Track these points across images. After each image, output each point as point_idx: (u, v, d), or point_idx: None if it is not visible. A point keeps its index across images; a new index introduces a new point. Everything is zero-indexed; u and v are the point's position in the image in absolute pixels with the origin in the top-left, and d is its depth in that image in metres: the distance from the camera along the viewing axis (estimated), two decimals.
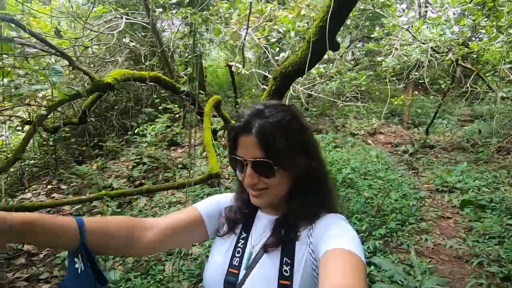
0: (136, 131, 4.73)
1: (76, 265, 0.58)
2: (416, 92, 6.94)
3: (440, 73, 5.82)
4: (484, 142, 5.38)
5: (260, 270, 0.65)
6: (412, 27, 5.32)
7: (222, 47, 5.84)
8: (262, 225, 0.73)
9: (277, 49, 4.55)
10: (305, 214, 0.68)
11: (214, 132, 5.02)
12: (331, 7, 2.09)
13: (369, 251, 2.16)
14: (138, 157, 4.65)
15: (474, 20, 4.64)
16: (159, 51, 3.87)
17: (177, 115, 5.54)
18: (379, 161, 4.48)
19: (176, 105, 5.33)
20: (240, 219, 0.76)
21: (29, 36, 2.19)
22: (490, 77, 5.23)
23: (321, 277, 0.54)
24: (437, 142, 6.13)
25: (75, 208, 3.42)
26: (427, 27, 5.35)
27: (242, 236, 0.73)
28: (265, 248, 0.66)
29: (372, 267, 1.99)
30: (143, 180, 4.41)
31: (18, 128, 4.10)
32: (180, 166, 4.60)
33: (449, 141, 6.11)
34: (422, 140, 6.13)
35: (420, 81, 6.15)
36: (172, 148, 5.53)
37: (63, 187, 4.47)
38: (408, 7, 8.48)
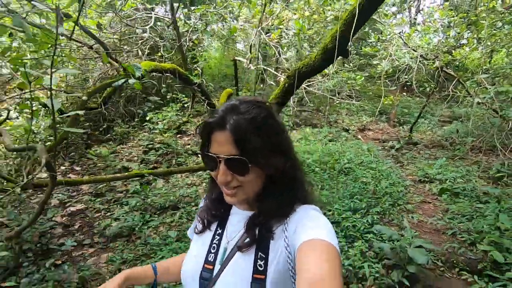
0: (147, 118, 5.02)
1: None
2: (404, 93, 7.55)
3: (426, 77, 6.42)
4: (460, 141, 6.04)
5: (234, 265, 0.66)
6: (403, 33, 5.87)
7: (215, 38, 6.15)
8: (237, 220, 0.73)
9: (285, 48, 4.95)
10: (278, 210, 0.68)
11: None
12: (341, 24, 2.52)
13: (368, 223, 2.67)
14: (150, 142, 4.97)
15: (458, 33, 5.21)
16: (178, 44, 4.18)
17: (185, 105, 5.86)
18: (370, 154, 5.03)
19: (183, 95, 5.64)
20: (211, 218, 0.77)
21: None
22: (469, 83, 5.86)
23: (298, 268, 0.56)
24: (420, 139, 6.77)
25: (95, 187, 3.73)
26: (417, 35, 5.91)
27: (217, 232, 0.74)
28: (240, 249, 0.67)
29: (371, 235, 2.50)
30: (155, 164, 4.75)
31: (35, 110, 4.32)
32: (190, 152, 4.96)
33: (430, 139, 6.76)
34: (407, 138, 6.75)
35: (407, 83, 6.75)
36: (179, 135, 5.87)
37: (77, 168, 4.74)
38: (398, 11, 9.05)
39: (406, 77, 5.64)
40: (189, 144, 5.46)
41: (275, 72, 5.46)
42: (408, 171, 4.77)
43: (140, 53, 4.22)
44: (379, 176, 4.00)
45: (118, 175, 3.12)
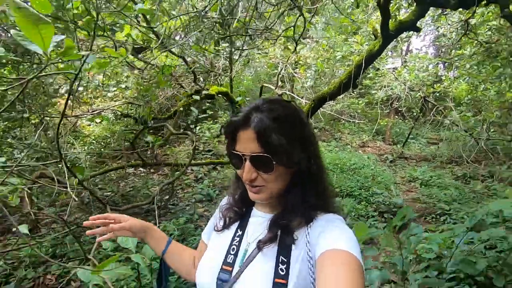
0: (198, 127, 6.50)
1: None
2: (396, 117, 9.14)
3: (413, 104, 8.03)
4: (440, 156, 7.54)
5: (255, 267, 0.66)
6: (395, 69, 7.56)
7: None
8: (258, 223, 0.74)
9: (308, 80, 6.56)
10: (302, 212, 0.67)
11: None
12: (353, 66, 4.07)
13: (370, 194, 4.09)
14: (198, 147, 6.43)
15: (435, 73, 6.88)
16: (230, 74, 5.76)
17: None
18: (370, 161, 6.50)
19: (223, 111, 7.16)
20: (233, 217, 0.78)
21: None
22: (454, 112, 7.45)
23: (318, 278, 0.56)
24: (410, 155, 8.26)
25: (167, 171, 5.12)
26: (406, 71, 7.58)
27: (237, 234, 0.74)
28: (259, 245, 0.67)
29: (372, 197, 3.92)
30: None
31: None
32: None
33: (418, 155, 8.25)
34: (399, 153, 8.24)
35: (399, 109, 8.33)
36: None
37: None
38: (392, 52, 10.90)
39: (397, 103, 7.23)
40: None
41: (295, 96, 7.05)
42: (399, 174, 6.21)
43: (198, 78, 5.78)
44: (378, 174, 5.46)
45: (204, 161, 4.57)
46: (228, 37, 4.23)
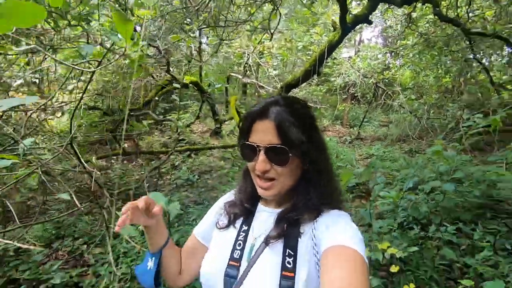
0: (169, 117, 6.56)
1: (148, 263, 0.75)
2: (353, 102, 9.99)
3: (367, 90, 8.87)
4: (390, 135, 8.49)
5: (263, 262, 0.66)
6: (350, 58, 8.27)
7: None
8: (264, 218, 0.74)
9: (272, 69, 6.93)
10: (309, 207, 0.68)
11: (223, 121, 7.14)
12: (316, 56, 4.52)
13: (335, 168, 4.63)
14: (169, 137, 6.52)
15: (384, 61, 7.69)
16: (201, 63, 5.90)
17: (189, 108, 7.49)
18: (332, 143, 7.14)
19: (191, 101, 7.28)
20: (239, 213, 0.77)
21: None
22: (397, 94, 8.38)
23: (322, 274, 0.57)
24: (366, 136, 9.15)
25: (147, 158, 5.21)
26: (359, 60, 8.34)
27: (243, 229, 0.74)
28: (267, 240, 0.67)
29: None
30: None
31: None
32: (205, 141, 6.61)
33: (372, 136, 9.17)
34: (356, 134, 9.08)
35: (355, 94, 9.13)
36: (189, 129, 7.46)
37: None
38: (346, 42, 11.76)
39: (353, 89, 7.96)
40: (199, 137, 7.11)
41: (262, 85, 7.40)
42: (357, 152, 6.95)
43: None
44: (339, 153, 6.07)
45: (189, 147, 4.74)
46: (198, 28, 4.38)
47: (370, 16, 4.09)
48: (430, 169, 2.77)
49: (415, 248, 1.69)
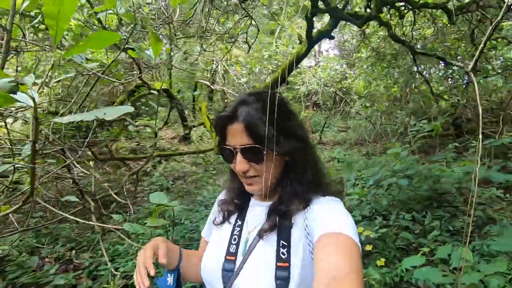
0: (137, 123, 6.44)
1: (168, 279, 0.75)
2: (315, 109, 10.63)
3: (327, 97, 9.54)
4: (349, 140, 9.21)
5: (257, 254, 0.67)
6: (312, 68, 8.86)
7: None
8: (257, 212, 0.75)
9: (242, 77, 7.17)
10: (298, 197, 0.69)
11: (192, 126, 7.17)
12: (286, 65, 4.87)
13: None
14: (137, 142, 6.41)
15: (342, 71, 8.38)
16: (170, 69, 5.91)
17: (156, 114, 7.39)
18: None
19: (159, 107, 7.20)
20: (232, 210, 0.79)
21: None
22: (358, 103, 9.11)
23: (316, 261, 0.57)
24: (327, 141, 9.78)
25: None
26: (321, 70, 8.97)
27: (237, 224, 0.76)
28: (260, 234, 0.69)
29: None
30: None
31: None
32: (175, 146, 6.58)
33: (333, 140, 9.84)
34: (318, 139, 9.68)
35: (317, 102, 9.75)
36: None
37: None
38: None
39: (316, 97, 8.52)
40: (168, 143, 7.05)
41: (230, 92, 7.61)
42: (320, 156, 7.46)
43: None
44: None
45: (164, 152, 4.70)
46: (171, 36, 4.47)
47: (332, 32, 4.55)
48: (386, 169, 3.20)
49: (384, 230, 2.02)
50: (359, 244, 0.58)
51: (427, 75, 8.74)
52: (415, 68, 7.23)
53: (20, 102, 0.56)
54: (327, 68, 8.56)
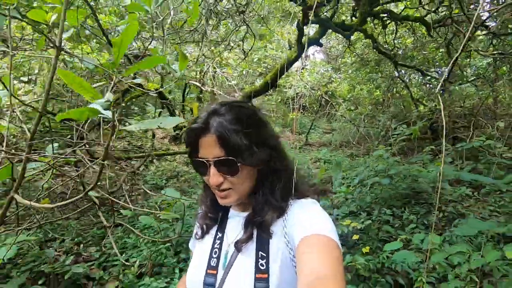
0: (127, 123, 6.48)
1: None
2: (302, 112, 10.95)
3: (314, 100, 9.88)
4: (334, 141, 9.58)
5: (237, 268, 0.66)
6: (300, 71, 9.16)
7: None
8: (235, 223, 0.74)
9: (233, 79, 7.35)
10: (272, 206, 0.68)
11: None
12: (276, 70, 5.10)
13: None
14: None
15: (328, 76, 8.72)
16: (164, 75, 6.01)
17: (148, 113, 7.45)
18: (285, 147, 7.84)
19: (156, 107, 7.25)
20: (209, 223, 0.78)
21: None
22: (342, 106, 9.48)
23: (298, 265, 0.57)
24: (313, 142, 10.11)
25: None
26: (308, 74, 9.28)
27: (218, 236, 0.74)
28: (237, 245, 0.68)
29: None
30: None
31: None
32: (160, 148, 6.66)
33: (319, 141, 10.18)
34: (305, 141, 9.99)
35: (303, 104, 10.07)
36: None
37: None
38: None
39: (302, 100, 8.82)
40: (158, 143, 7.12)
41: (220, 93, 7.77)
42: (307, 157, 7.74)
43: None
44: (293, 157, 6.75)
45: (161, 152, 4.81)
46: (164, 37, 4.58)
47: (320, 39, 4.82)
48: (369, 169, 3.48)
49: (369, 221, 2.28)
50: (339, 244, 0.58)
51: (407, 80, 9.25)
52: (396, 74, 7.67)
53: (104, 115, 0.73)
54: (313, 72, 8.88)
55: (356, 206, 3.13)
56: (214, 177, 0.65)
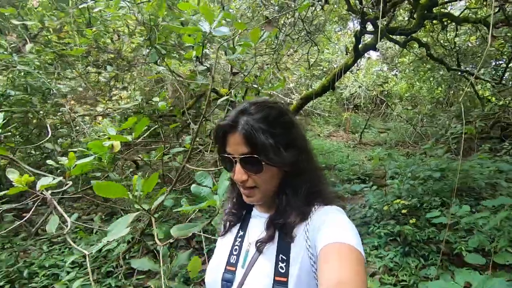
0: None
1: None
2: (356, 111, 11.15)
3: (369, 100, 10.03)
4: (389, 141, 9.62)
5: (257, 268, 0.67)
6: (355, 73, 9.45)
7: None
8: (258, 223, 0.75)
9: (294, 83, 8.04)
10: (294, 210, 0.68)
11: None
12: (333, 74, 5.61)
13: (349, 165, 5.69)
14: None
15: (385, 75, 8.85)
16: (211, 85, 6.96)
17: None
18: (339, 146, 8.24)
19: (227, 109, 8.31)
20: (233, 220, 0.79)
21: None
22: (395, 104, 9.51)
23: (319, 272, 0.56)
24: (367, 141, 10.28)
25: None
26: (363, 74, 9.51)
27: (239, 235, 0.76)
28: (257, 246, 0.69)
29: (353, 167, 5.52)
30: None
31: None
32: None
33: (373, 141, 10.30)
34: (358, 140, 10.21)
35: (358, 104, 10.29)
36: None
37: None
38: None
39: (358, 100, 9.11)
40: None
41: (281, 96, 8.50)
42: (361, 155, 8.05)
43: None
44: (348, 154, 7.17)
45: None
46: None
47: (376, 45, 5.21)
48: (424, 164, 3.84)
49: (416, 200, 2.78)
50: (363, 253, 0.58)
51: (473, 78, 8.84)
52: (460, 71, 7.52)
53: None
54: (369, 72, 9.09)
55: (408, 195, 3.56)
56: (238, 173, 0.67)
